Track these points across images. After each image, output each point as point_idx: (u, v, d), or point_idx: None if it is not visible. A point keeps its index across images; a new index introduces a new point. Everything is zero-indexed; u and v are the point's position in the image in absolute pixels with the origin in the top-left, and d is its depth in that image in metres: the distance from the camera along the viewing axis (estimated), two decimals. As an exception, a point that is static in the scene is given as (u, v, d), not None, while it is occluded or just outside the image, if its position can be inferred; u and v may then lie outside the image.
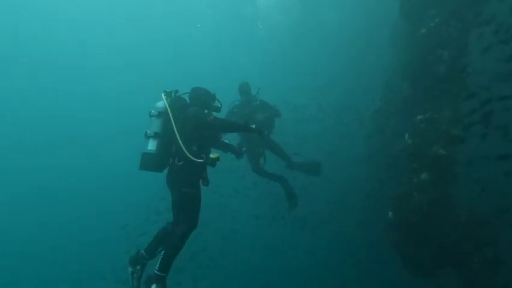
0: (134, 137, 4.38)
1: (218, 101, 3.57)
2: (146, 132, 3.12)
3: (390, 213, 4.45)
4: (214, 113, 3.41)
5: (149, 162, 3.06)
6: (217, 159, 3.22)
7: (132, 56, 18.70)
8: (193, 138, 3.09)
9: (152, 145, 3.06)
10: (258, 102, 5.01)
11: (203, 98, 3.40)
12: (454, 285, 3.75)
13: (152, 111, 3.17)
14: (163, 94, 3.23)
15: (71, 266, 10.63)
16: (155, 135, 3.09)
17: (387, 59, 6.79)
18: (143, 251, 2.89)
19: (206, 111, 3.23)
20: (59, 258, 11.13)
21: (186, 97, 3.43)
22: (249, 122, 3.18)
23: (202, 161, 3.05)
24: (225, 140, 3.74)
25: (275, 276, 8.60)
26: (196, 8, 16.48)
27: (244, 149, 4.35)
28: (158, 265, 2.69)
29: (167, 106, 3.09)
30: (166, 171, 3.22)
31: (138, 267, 2.84)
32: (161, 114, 3.15)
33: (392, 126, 5.88)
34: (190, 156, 2.97)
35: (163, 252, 2.75)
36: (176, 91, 3.38)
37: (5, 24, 16.64)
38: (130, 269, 2.85)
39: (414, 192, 4.09)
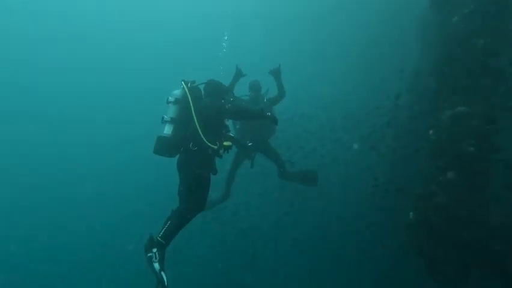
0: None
1: (232, 94, 3.61)
2: (163, 117, 3.21)
3: (411, 213, 4.19)
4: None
5: (164, 146, 3.14)
6: (230, 147, 3.28)
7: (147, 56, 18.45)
8: (210, 125, 3.16)
9: (168, 130, 3.15)
10: (265, 101, 5.07)
11: (218, 90, 3.49)
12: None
13: (170, 97, 3.28)
14: (182, 82, 3.33)
15: (126, 256, 10.74)
16: (172, 121, 3.18)
17: (415, 55, 6.42)
18: (154, 237, 2.96)
19: (223, 100, 3.31)
20: (116, 248, 11.22)
21: (201, 88, 3.52)
22: (264, 110, 3.17)
23: (216, 147, 3.10)
24: (231, 134, 3.75)
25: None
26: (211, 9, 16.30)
27: (250, 143, 4.35)
28: (162, 232, 2.90)
29: (187, 93, 3.18)
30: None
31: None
32: (178, 101, 3.25)
33: (413, 124, 5.55)
34: (206, 142, 3.03)
35: (169, 222, 2.93)
36: (194, 81, 3.48)
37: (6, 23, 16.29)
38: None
39: (439, 191, 3.82)
